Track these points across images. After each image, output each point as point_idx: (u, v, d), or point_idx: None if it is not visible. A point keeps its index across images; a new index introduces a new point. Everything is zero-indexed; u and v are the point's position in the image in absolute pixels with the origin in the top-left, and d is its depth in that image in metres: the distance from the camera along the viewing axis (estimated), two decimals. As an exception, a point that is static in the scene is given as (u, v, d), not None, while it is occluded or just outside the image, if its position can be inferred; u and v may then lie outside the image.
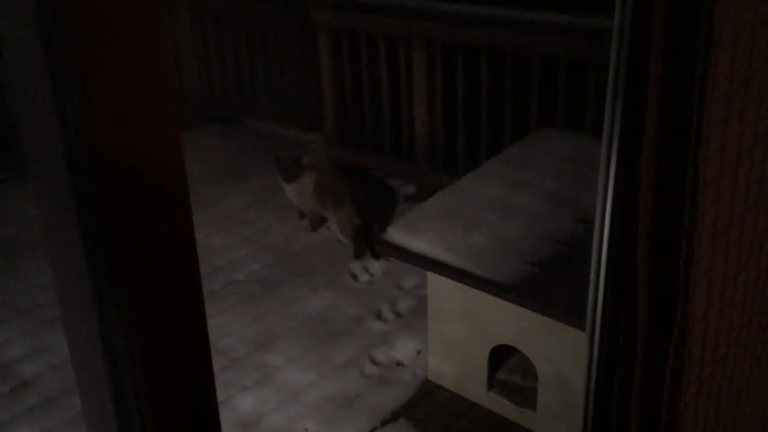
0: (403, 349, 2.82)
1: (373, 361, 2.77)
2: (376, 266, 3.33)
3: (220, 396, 2.58)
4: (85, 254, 0.81)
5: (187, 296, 0.89)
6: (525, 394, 2.44)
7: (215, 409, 0.95)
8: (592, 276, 1.18)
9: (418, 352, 2.79)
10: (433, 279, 2.48)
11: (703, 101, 0.89)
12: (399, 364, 2.76)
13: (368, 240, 3.39)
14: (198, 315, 0.90)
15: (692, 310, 0.99)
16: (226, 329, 2.93)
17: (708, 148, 0.92)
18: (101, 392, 0.87)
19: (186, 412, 0.93)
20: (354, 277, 3.29)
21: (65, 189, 0.79)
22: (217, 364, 2.71)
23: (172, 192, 0.84)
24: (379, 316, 3.01)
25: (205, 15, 4.80)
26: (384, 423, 2.46)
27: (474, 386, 2.52)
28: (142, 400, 0.86)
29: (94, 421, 0.92)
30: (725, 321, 1.11)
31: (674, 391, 1.02)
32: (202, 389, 0.94)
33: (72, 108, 0.75)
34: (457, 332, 2.51)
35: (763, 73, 1.01)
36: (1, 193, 3.88)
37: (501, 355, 2.49)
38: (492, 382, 2.51)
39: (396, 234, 2.50)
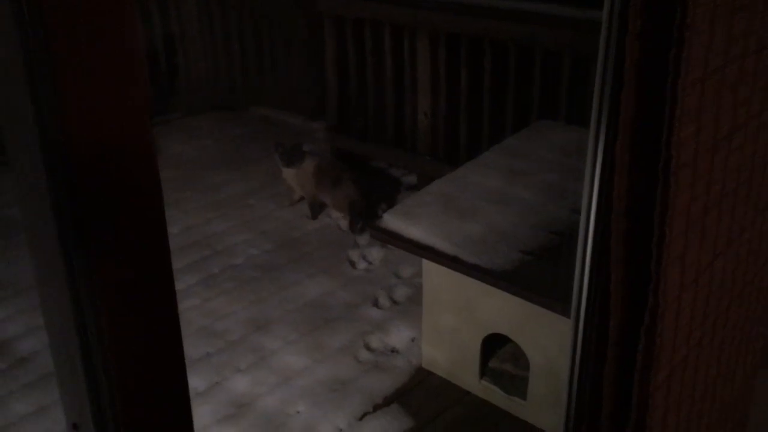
0: (398, 336, 2.84)
1: (368, 347, 2.79)
2: (375, 254, 3.35)
3: (215, 377, 2.61)
4: (59, 239, 0.83)
5: (157, 279, 0.90)
6: (516, 383, 2.46)
7: (185, 383, 0.97)
8: (578, 264, 1.19)
9: (413, 340, 2.80)
10: (428, 267, 2.50)
11: (676, 85, 0.89)
12: (393, 350, 2.78)
13: (365, 218, 3.47)
14: (167, 297, 0.91)
15: (664, 293, 1.00)
16: (223, 312, 2.95)
17: (681, 131, 0.92)
18: (72, 358, 0.89)
19: (154, 390, 0.94)
20: (352, 264, 3.31)
21: (40, 175, 0.82)
22: (213, 345, 2.77)
23: (142, 177, 0.85)
24: (375, 303, 3.03)
25: (212, 2, 4.81)
26: (376, 408, 2.48)
27: (466, 374, 2.54)
28: (111, 375, 0.88)
29: (66, 384, 0.94)
30: (700, 306, 1.12)
31: (645, 373, 1.03)
32: (171, 366, 0.95)
33: (45, 95, 0.77)
34: (450, 320, 2.53)
35: (741, 61, 1.02)
36: (5, 174, 3.91)
37: (494, 344, 2.50)
38: (484, 371, 2.52)
39: (392, 220, 2.51)
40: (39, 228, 0.88)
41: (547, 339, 2.26)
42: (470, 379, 2.53)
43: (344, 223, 3.60)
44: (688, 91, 0.91)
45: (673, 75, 0.89)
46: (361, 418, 2.44)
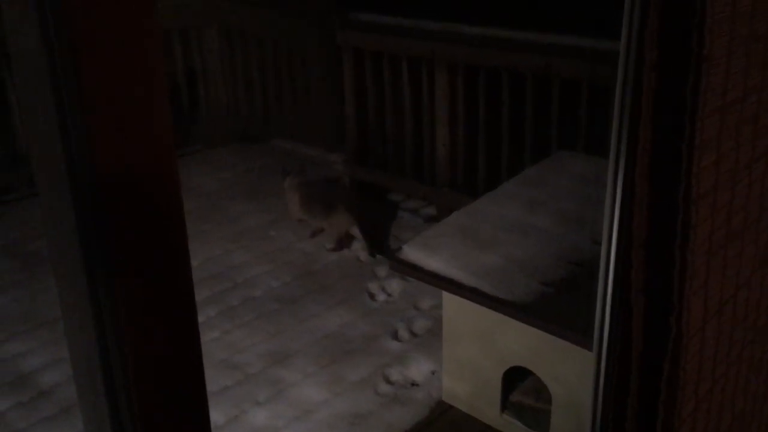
0: (418, 368, 2.82)
1: (388, 380, 2.77)
2: (394, 286, 3.34)
3: (234, 410, 2.60)
4: (84, 265, 0.84)
5: (180, 306, 0.91)
6: (538, 417, 2.42)
7: (205, 408, 0.97)
8: (599, 295, 1.18)
9: (433, 372, 2.78)
10: (448, 299, 2.49)
11: (695, 115, 0.89)
12: (413, 383, 2.76)
13: (367, 241, 3.59)
14: (190, 323, 0.92)
15: (687, 323, 0.99)
16: (243, 344, 2.95)
17: (701, 162, 0.92)
18: (96, 387, 0.89)
19: (176, 416, 0.94)
20: (371, 296, 3.30)
21: (67, 203, 0.83)
22: (232, 378, 2.76)
23: (168, 208, 0.87)
24: (395, 336, 3.02)
25: (234, 35, 4.90)
26: (396, 442, 2.45)
27: (487, 407, 2.51)
28: (134, 403, 0.88)
29: (90, 417, 0.95)
30: (724, 338, 1.10)
31: (669, 406, 1.02)
32: (193, 400, 0.95)
33: (73, 125, 0.78)
34: (470, 353, 2.50)
35: (760, 91, 1.01)
36: (32, 208, 3.97)
37: (515, 377, 2.47)
38: (505, 404, 2.49)
39: (411, 252, 2.51)
40: (65, 258, 0.89)
41: (569, 372, 2.23)
42: (491, 413, 2.50)
43: (363, 255, 3.61)
44: (706, 122, 0.91)
45: (691, 106, 0.89)
46: (380, 452, 2.41)
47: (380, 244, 3.59)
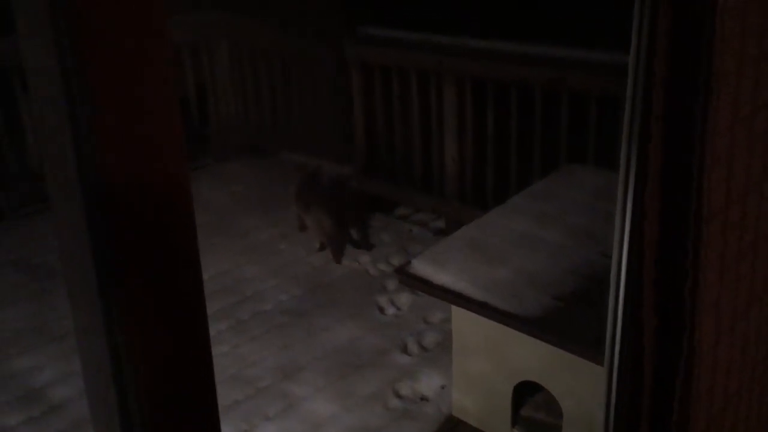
0: (428, 383, 2.81)
1: (398, 395, 2.76)
2: (404, 299, 3.33)
3: (244, 425, 2.60)
4: (96, 278, 0.85)
5: (192, 320, 0.91)
6: (549, 432, 2.41)
7: (217, 424, 0.97)
8: (610, 310, 1.18)
9: (443, 387, 2.77)
10: (458, 313, 2.48)
11: (705, 132, 0.89)
12: (423, 398, 2.75)
13: (350, 239, 3.73)
14: (202, 337, 0.92)
15: (700, 342, 0.98)
16: (253, 358, 2.95)
17: (712, 179, 0.92)
18: (108, 401, 0.90)
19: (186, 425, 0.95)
20: (381, 309, 3.30)
21: (79, 216, 0.84)
22: (242, 392, 2.76)
23: (179, 220, 0.87)
24: (404, 350, 3.01)
25: (243, 50, 4.93)
26: (406, 457, 2.44)
27: (498, 422, 2.49)
28: (145, 413, 0.88)
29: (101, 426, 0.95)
30: (737, 355, 1.10)
31: (682, 425, 1.01)
32: (205, 413, 0.95)
33: (86, 136, 0.79)
34: (481, 367, 2.49)
35: (771, 107, 1.01)
36: (44, 223, 4.00)
37: (526, 391, 2.46)
38: (516, 419, 2.47)
39: (421, 266, 2.51)
40: (77, 271, 0.90)
41: (580, 386, 2.21)
42: (502, 428, 2.49)
43: (372, 268, 3.62)
44: (717, 140, 0.90)
45: (701, 124, 0.89)
46: (391, 468, 2.40)
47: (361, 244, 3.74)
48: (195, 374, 0.98)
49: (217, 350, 2.96)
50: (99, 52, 0.77)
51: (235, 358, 2.95)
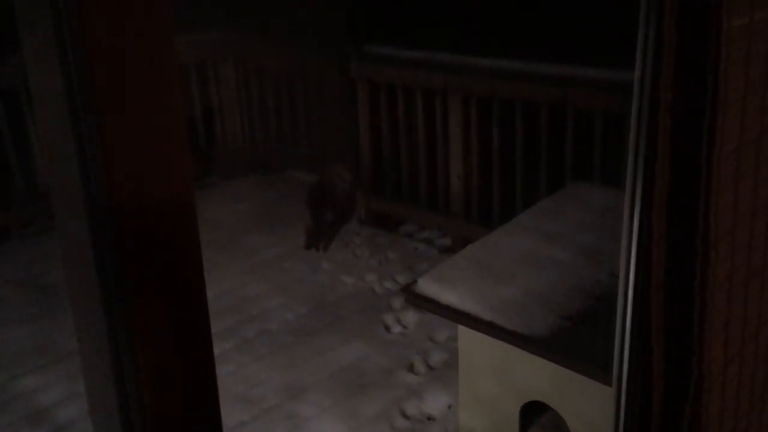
0: (435, 402, 2.79)
1: (404, 415, 2.74)
2: (410, 318, 3.32)
3: (250, 445, 2.58)
4: (101, 293, 0.85)
5: (197, 339, 0.91)
6: (557, 452, 2.39)
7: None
8: (617, 331, 1.17)
9: (450, 407, 2.75)
10: (464, 332, 2.47)
11: (712, 156, 0.89)
12: (430, 418, 2.73)
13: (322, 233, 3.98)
14: (207, 356, 0.92)
15: (709, 365, 0.97)
16: (258, 378, 2.94)
17: (719, 203, 0.92)
18: (112, 422, 0.90)
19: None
20: (387, 328, 3.29)
21: (84, 232, 0.84)
22: (248, 413, 2.75)
23: (185, 240, 0.87)
24: (410, 369, 3.00)
25: (249, 68, 4.96)
26: (412, 478, 2.42)
27: (505, 442, 2.47)
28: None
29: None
30: (746, 377, 1.09)
31: (692, 449, 1.00)
32: (207, 427, 0.95)
33: (91, 155, 0.80)
34: (487, 387, 2.48)
35: (777, 129, 1.01)
36: (50, 242, 4.01)
37: (534, 411, 2.44)
38: (523, 439, 2.45)
39: (427, 285, 2.50)
40: (82, 290, 0.90)
41: (588, 406, 2.20)
42: (509, 448, 2.47)
43: (378, 286, 3.62)
44: (723, 163, 0.90)
45: (707, 147, 0.89)
46: (397, 489, 2.38)
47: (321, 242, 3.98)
48: (200, 395, 0.98)
49: (223, 369, 2.95)
50: (105, 72, 0.77)
51: (240, 377, 2.94)
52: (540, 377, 2.31)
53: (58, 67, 0.79)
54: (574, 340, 2.17)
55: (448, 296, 2.43)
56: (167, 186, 0.83)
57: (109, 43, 0.77)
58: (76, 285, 0.90)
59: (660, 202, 0.95)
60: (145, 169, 0.82)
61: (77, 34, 0.75)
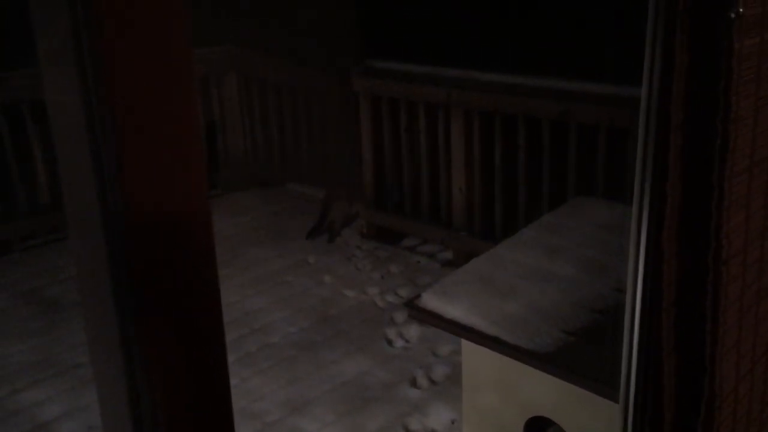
0: (438, 417, 2.78)
1: (407, 430, 2.73)
2: (412, 331, 3.32)
3: (252, 460, 2.57)
4: (116, 310, 0.85)
5: (211, 355, 0.91)
6: (561, 468, 2.37)
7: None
8: (625, 347, 1.17)
9: (453, 422, 2.74)
10: (468, 347, 2.46)
11: (723, 175, 0.89)
12: (433, 432, 2.72)
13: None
14: (221, 372, 0.92)
15: (720, 385, 0.97)
16: (260, 392, 2.93)
17: (730, 221, 0.92)
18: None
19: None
20: (389, 342, 3.28)
21: (100, 248, 0.84)
22: (251, 427, 2.74)
23: (200, 253, 0.87)
24: (413, 383, 2.99)
25: (252, 82, 4.97)
26: (416, 494, 2.41)
27: (509, 458, 2.46)
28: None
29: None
30: (757, 396, 1.08)
31: (704, 468, 1.00)
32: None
33: (109, 171, 0.79)
34: (491, 402, 2.47)
35: (787, 147, 1.01)
36: (51, 255, 4.01)
37: (538, 427, 2.43)
38: (527, 455, 2.44)
39: (430, 300, 2.50)
40: (97, 306, 0.89)
41: (593, 422, 2.19)
42: (513, 464, 2.45)
43: (380, 300, 3.61)
44: (735, 181, 0.91)
45: (719, 166, 0.89)
46: (401, 505, 2.37)
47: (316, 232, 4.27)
48: (215, 410, 0.98)
49: (226, 384, 2.94)
50: (123, 85, 0.77)
51: (242, 391, 2.93)
52: (544, 392, 2.30)
53: (75, 81, 0.78)
54: (578, 355, 2.17)
55: (453, 311, 2.43)
56: (185, 203, 0.83)
57: (128, 59, 0.77)
58: (91, 301, 0.90)
59: (671, 221, 0.95)
60: (163, 185, 0.81)
61: (97, 48, 0.75)
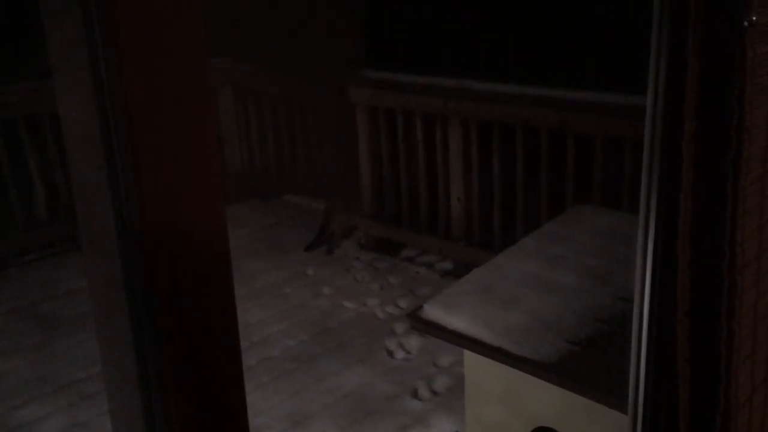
0: (440, 429, 2.76)
1: (409, 442, 2.72)
2: (413, 343, 3.30)
3: (254, 475, 2.55)
4: (131, 327, 0.84)
5: (228, 370, 0.90)
6: (566, 479, 2.36)
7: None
8: (633, 357, 1.16)
9: (456, 433, 2.73)
10: (470, 357, 2.45)
11: (738, 184, 0.89)
12: (436, 444, 2.70)
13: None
14: (238, 386, 0.91)
15: (736, 395, 0.96)
16: (261, 406, 2.91)
17: (744, 230, 0.91)
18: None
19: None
20: (390, 353, 3.27)
21: (115, 264, 0.82)
22: (252, 442, 2.71)
23: (216, 268, 0.86)
24: (415, 395, 2.97)
25: (248, 93, 4.97)
26: (420, 507, 2.39)
27: (513, 469, 2.45)
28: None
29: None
30: (772, 407, 1.08)
31: (720, 480, 0.99)
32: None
33: (124, 186, 0.78)
34: (495, 413, 2.46)
35: (798, 155, 1.01)
36: (48, 270, 3.98)
37: (541, 437, 2.42)
38: (532, 466, 2.43)
39: (432, 311, 2.48)
40: (111, 312, 0.88)
41: (598, 432, 2.18)
42: (518, 475, 2.44)
43: (380, 311, 3.60)
44: (749, 190, 0.90)
45: (733, 175, 0.88)
46: None
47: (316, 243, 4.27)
48: (231, 424, 0.97)
49: (226, 398, 2.91)
50: (138, 93, 0.76)
51: (243, 405, 2.90)
52: (548, 402, 2.29)
53: (91, 96, 0.77)
54: (583, 365, 2.16)
55: (455, 322, 2.41)
56: (201, 214, 0.82)
57: (146, 73, 0.76)
58: (105, 318, 0.88)
59: (685, 231, 0.94)
60: (180, 202, 0.80)
61: (114, 63, 0.74)
